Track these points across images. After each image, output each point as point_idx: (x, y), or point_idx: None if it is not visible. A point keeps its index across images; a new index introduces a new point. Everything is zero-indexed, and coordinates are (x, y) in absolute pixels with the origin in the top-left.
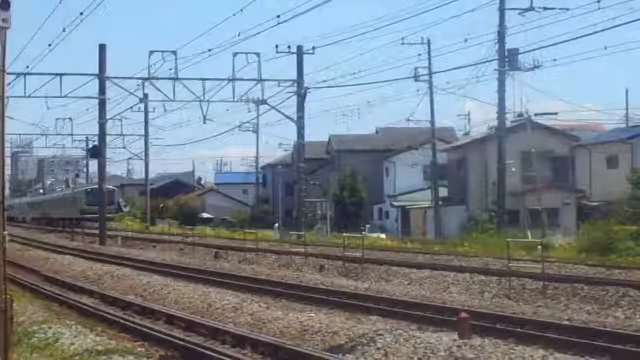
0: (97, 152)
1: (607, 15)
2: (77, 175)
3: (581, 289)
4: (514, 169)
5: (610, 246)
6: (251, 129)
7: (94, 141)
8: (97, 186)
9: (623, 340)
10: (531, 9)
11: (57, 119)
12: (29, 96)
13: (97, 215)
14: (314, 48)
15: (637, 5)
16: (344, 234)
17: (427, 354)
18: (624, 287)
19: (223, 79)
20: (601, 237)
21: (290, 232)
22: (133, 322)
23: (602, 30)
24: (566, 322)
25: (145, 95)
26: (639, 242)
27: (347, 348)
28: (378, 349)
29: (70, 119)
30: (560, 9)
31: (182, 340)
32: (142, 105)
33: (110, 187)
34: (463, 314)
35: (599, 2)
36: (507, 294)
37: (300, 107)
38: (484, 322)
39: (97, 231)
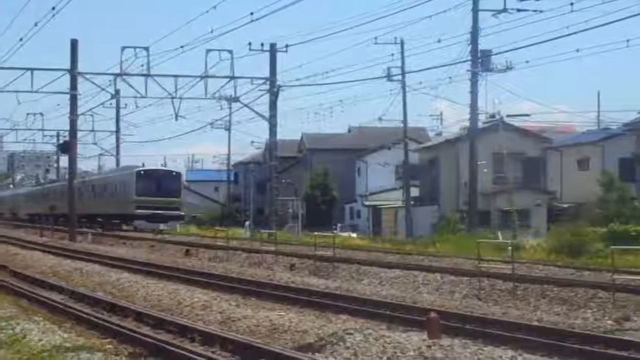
0: (67, 147)
1: (580, 17)
2: (47, 171)
3: (551, 290)
4: (485, 170)
5: (580, 248)
6: (223, 126)
7: (65, 137)
8: (154, 168)
9: (592, 342)
10: (504, 10)
11: (27, 114)
12: (0, 90)
13: (164, 212)
14: (287, 46)
15: (609, 8)
16: (315, 233)
17: (396, 354)
18: (593, 289)
19: (195, 76)
20: (571, 238)
21: (262, 231)
22: (102, 319)
23: (574, 33)
24: (535, 323)
25: (117, 91)
26: (609, 244)
27: (317, 347)
28: (347, 348)
29: (41, 114)
30: (534, 10)
31: (151, 337)
32: (113, 102)
33: (173, 170)
34: (433, 314)
35: (572, 4)
36: (477, 295)
37: (273, 105)
38: (453, 323)
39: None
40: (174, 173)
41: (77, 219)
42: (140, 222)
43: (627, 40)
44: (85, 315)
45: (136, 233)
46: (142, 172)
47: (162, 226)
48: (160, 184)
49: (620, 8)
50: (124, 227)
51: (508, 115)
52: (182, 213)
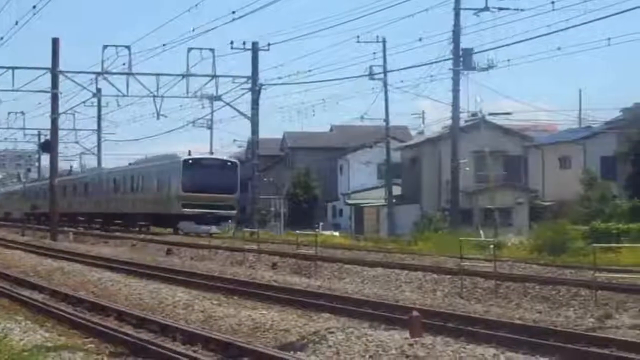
0: (49, 146)
1: (561, 16)
2: (28, 170)
3: (533, 288)
4: (467, 169)
5: (562, 246)
6: (205, 125)
7: (46, 135)
8: (205, 156)
9: (574, 340)
10: (486, 9)
11: (9, 113)
12: None
13: (217, 212)
14: (269, 45)
15: (590, 7)
16: (298, 232)
17: (378, 352)
18: (575, 287)
19: (177, 75)
20: (553, 236)
21: (244, 229)
22: (83, 319)
23: (556, 32)
24: (517, 321)
25: (99, 90)
26: (590, 242)
27: (299, 346)
28: (329, 346)
29: (22, 112)
30: (515, 9)
31: (133, 336)
32: (95, 100)
33: (229, 159)
34: (415, 313)
35: (553, 3)
36: (459, 293)
37: (255, 104)
38: (435, 321)
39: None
40: (229, 163)
41: (89, 219)
42: (186, 224)
43: (608, 39)
44: (66, 315)
45: (117, 232)
46: (190, 161)
47: (213, 229)
48: (214, 176)
49: (602, 7)
50: (167, 229)
51: (490, 114)
52: (235, 212)
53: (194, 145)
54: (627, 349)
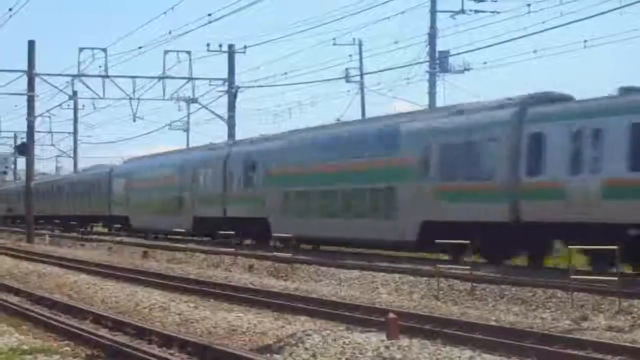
0: (25, 149)
1: (537, 18)
2: (4, 173)
3: (509, 290)
4: None
5: None
6: (182, 127)
7: (22, 138)
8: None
9: (550, 341)
10: (462, 11)
11: None
12: None
13: None
14: (245, 47)
15: (566, 9)
16: (275, 234)
17: (355, 354)
18: (551, 289)
19: (154, 77)
20: None
21: (220, 232)
22: (59, 321)
23: (532, 34)
24: (493, 323)
25: (75, 93)
26: (566, 244)
27: (275, 348)
28: (306, 349)
29: None
30: (491, 12)
31: (109, 339)
32: (71, 103)
33: None
34: (391, 315)
35: (529, 5)
36: (435, 295)
37: (231, 107)
38: (412, 323)
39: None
40: None
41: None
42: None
43: (585, 41)
44: (42, 318)
45: (94, 235)
46: None
47: None
48: None
49: (578, 9)
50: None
51: None
52: None
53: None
54: (603, 351)
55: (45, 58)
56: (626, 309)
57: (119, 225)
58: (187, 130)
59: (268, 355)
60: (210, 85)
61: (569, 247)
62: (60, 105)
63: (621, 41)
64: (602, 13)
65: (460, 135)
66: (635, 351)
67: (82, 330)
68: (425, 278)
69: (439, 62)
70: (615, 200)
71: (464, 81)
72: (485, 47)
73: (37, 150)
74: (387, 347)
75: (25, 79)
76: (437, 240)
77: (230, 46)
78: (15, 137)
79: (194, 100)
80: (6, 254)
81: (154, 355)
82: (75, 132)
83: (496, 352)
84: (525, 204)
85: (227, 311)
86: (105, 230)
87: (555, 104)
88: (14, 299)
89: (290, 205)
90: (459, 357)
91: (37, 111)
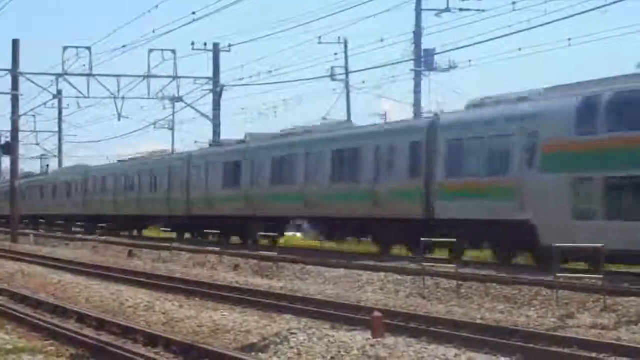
0: (9, 148)
1: (522, 17)
2: None
3: (494, 289)
4: None
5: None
6: (166, 126)
7: (7, 137)
8: None
9: (535, 339)
10: (447, 10)
11: None
12: None
13: None
14: (230, 46)
15: (551, 8)
16: (260, 233)
17: (340, 353)
18: (536, 287)
19: (138, 76)
20: None
21: (205, 230)
22: (44, 321)
23: (516, 32)
24: (479, 321)
25: (59, 92)
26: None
27: (261, 347)
28: (291, 347)
29: None
30: (476, 10)
31: (93, 339)
32: (56, 102)
33: None
34: (376, 313)
35: (514, 4)
36: (421, 294)
37: (216, 105)
38: (397, 321)
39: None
40: None
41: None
42: None
43: (569, 39)
44: (27, 317)
45: (78, 234)
46: None
47: None
48: None
49: (562, 7)
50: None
51: None
52: None
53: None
54: (588, 349)
55: (30, 57)
56: (611, 307)
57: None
58: (172, 129)
59: (253, 354)
60: (195, 83)
61: (554, 245)
62: (44, 104)
63: (605, 39)
64: (587, 11)
65: None
66: (620, 349)
67: (67, 329)
68: (410, 276)
69: (424, 61)
70: None
71: (449, 79)
72: (470, 45)
73: (22, 150)
74: (372, 346)
75: (9, 78)
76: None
77: (215, 45)
78: None
79: (178, 99)
80: None
81: (138, 355)
82: (60, 131)
83: (482, 350)
84: None
85: (212, 310)
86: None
87: None
88: None
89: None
90: (445, 355)
91: (22, 110)
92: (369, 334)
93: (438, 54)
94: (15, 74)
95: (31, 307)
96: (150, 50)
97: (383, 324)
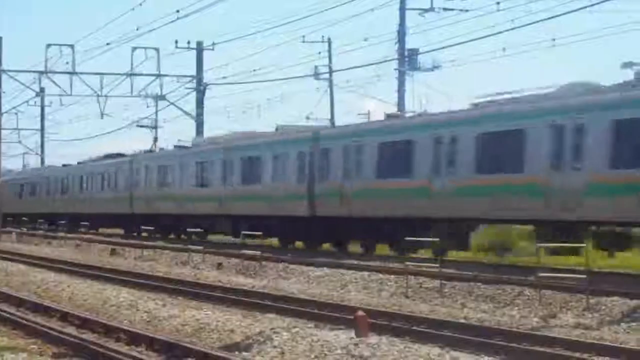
0: None
1: (506, 16)
2: None
3: (478, 288)
4: None
5: (507, 246)
6: (150, 124)
7: None
8: None
9: (518, 339)
10: (431, 9)
11: None
12: None
13: None
14: (213, 44)
15: (535, 7)
16: (243, 232)
17: (323, 352)
18: (519, 287)
19: (121, 74)
20: (497, 236)
21: (188, 229)
22: (26, 319)
23: (501, 32)
24: (462, 321)
25: (42, 89)
26: (533, 242)
27: (244, 346)
28: (274, 346)
29: None
30: (460, 10)
31: (76, 337)
32: (38, 100)
33: None
34: (360, 312)
35: (498, 3)
36: (404, 293)
37: (200, 104)
38: (381, 320)
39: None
40: None
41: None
42: None
43: (553, 40)
44: (9, 316)
45: (61, 232)
46: None
47: None
48: None
49: (546, 7)
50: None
51: None
52: None
53: (138, 144)
54: (570, 348)
55: (12, 54)
56: (594, 307)
57: None
58: (155, 128)
59: (236, 352)
60: (178, 82)
61: (538, 245)
62: (27, 102)
63: (590, 40)
64: (572, 11)
65: None
66: (603, 348)
67: (49, 328)
68: (394, 276)
69: (408, 60)
70: None
71: (433, 79)
72: (454, 44)
73: (4, 147)
74: (356, 345)
75: None
76: None
77: (199, 43)
78: None
79: (162, 97)
80: None
81: (121, 353)
82: (42, 129)
83: (465, 349)
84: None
85: (195, 309)
86: None
87: None
88: None
89: None
90: (428, 354)
91: (4, 108)
92: (352, 333)
93: (422, 53)
94: None
95: (14, 305)
96: (134, 49)
97: (367, 323)
